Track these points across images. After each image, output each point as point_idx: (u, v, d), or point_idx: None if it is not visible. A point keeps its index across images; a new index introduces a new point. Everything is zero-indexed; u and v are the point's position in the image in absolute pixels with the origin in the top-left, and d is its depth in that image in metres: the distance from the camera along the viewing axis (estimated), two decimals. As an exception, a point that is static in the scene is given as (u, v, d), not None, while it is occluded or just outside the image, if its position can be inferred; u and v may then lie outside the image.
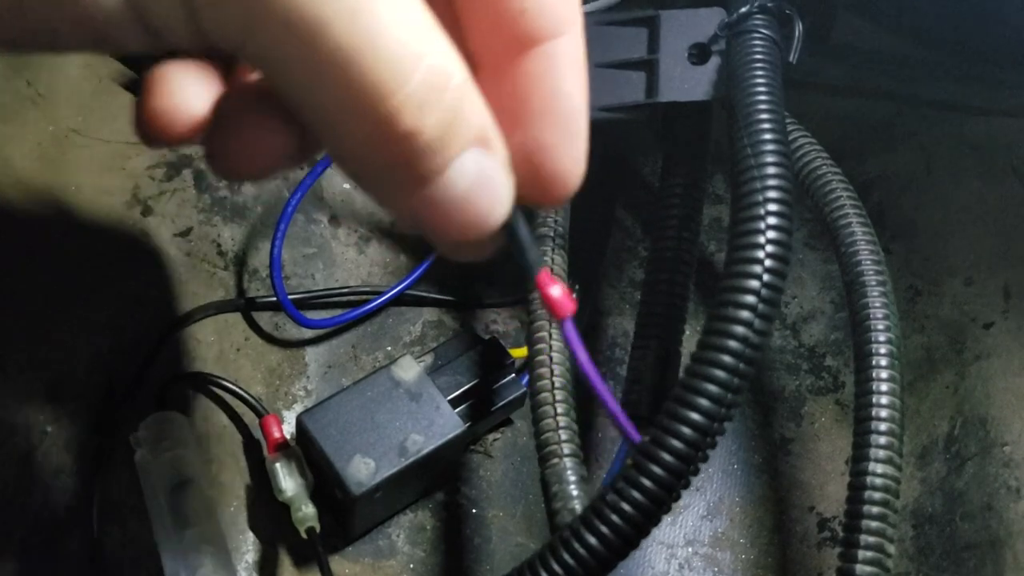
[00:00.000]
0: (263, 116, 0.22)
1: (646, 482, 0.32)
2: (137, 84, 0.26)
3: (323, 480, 0.45)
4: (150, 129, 0.21)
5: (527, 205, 0.24)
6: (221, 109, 0.22)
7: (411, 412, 0.45)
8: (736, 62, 0.39)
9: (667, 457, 0.32)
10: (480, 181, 0.22)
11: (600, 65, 0.44)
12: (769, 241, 0.33)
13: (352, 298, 0.53)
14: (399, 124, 0.20)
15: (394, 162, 0.21)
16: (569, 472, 0.39)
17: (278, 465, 0.44)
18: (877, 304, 0.40)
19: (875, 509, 0.36)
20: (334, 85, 0.20)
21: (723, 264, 0.35)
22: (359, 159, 0.21)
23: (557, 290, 0.26)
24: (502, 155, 0.23)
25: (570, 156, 0.24)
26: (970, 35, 0.55)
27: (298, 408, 0.50)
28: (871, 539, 0.36)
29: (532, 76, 0.24)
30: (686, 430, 0.32)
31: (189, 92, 0.22)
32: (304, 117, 0.21)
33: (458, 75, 0.21)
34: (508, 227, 0.23)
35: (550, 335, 0.42)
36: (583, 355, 0.28)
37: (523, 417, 0.51)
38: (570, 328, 0.27)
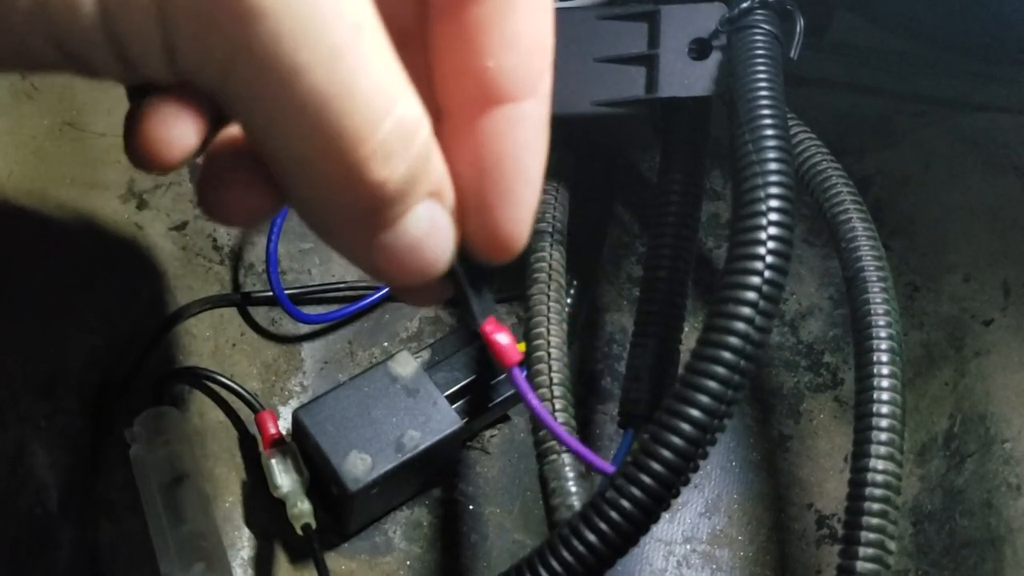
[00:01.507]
0: (251, 171, 0.22)
1: (646, 479, 0.32)
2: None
3: (319, 476, 0.44)
4: (144, 156, 0.21)
5: (476, 258, 0.25)
6: (211, 161, 0.23)
7: (408, 408, 0.45)
8: (737, 58, 0.39)
9: (667, 454, 0.32)
10: (431, 231, 0.23)
11: (600, 60, 0.44)
12: (771, 237, 0.33)
13: (349, 293, 0.52)
14: (368, 173, 0.20)
15: (357, 210, 0.21)
16: (567, 468, 0.39)
17: (274, 461, 0.44)
18: (878, 300, 0.40)
19: (876, 506, 0.36)
20: (306, 131, 0.20)
21: (724, 260, 0.34)
22: (323, 206, 0.22)
23: (504, 337, 0.27)
24: (451, 207, 0.23)
25: (510, 218, 0.24)
26: (968, 31, 0.55)
27: (294, 404, 0.50)
28: (872, 536, 0.36)
29: (488, 134, 0.24)
30: (687, 427, 0.32)
31: (184, 125, 0.22)
32: (271, 161, 0.21)
33: (424, 128, 0.21)
34: (453, 276, 0.25)
35: (548, 331, 0.42)
36: (535, 401, 0.30)
37: (521, 413, 0.51)
38: (518, 375, 0.28)
